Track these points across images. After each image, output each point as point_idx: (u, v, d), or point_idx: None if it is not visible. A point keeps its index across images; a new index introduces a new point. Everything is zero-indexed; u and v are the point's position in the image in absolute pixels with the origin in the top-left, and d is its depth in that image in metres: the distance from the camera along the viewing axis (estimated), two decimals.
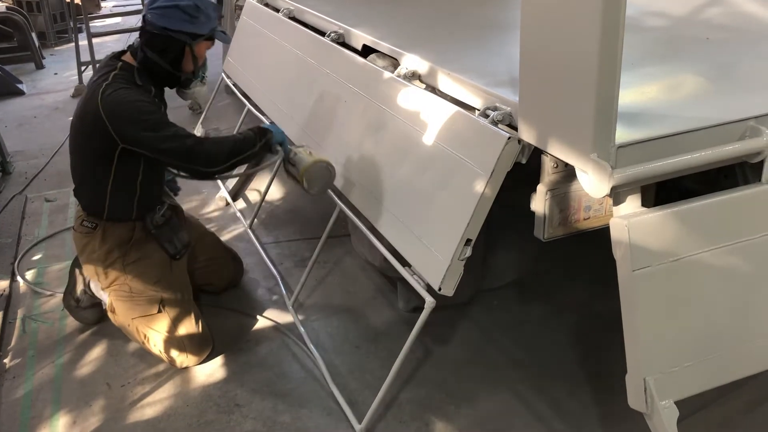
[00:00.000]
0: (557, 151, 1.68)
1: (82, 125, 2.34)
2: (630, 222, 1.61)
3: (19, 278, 3.11)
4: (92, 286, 2.62)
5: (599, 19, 1.39)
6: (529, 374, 2.40)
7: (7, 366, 2.56)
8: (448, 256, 1.90)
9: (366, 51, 2.75)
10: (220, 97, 5.05)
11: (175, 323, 2.45)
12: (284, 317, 2.77)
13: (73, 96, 5.87)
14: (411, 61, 2.40)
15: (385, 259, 2.22)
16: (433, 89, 2.29)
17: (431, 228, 2.02)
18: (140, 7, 2.29)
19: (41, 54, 7.15)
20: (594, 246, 2.08)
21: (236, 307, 2.85)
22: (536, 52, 1.63)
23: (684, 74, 2.13)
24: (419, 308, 2.05)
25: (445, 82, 2.21)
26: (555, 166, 1.93)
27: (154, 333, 2.45)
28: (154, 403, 2.34)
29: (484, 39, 2.73)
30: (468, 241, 1.88)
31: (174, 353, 2.46)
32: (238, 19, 4.30)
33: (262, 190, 3.48)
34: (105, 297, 2.56)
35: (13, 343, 2.69)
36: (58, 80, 6.58)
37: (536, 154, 1.88)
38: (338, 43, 2.94)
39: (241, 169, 2.59)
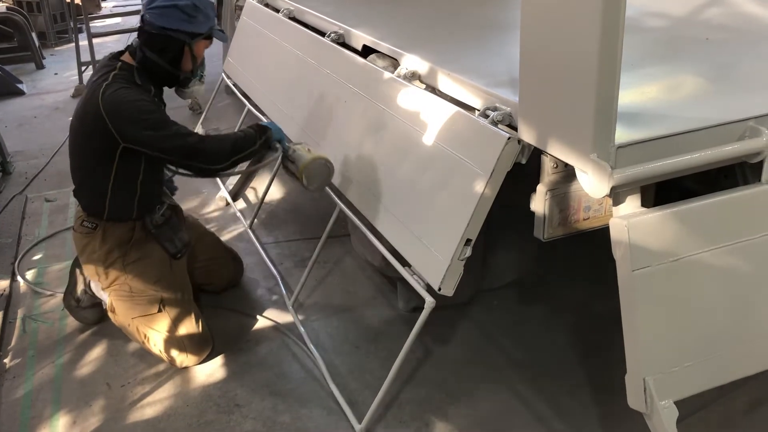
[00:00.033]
0: (557, 151, 1.68)
1: (82, 125, 2.34)
2: (630, 222, 1.61)
3: (19, 278, 3.11)
4: (93, 286, 2.62)
5: (599, 19, 1.39)
6: (529, 374, 2.40)
7: (7, 366, 2.56)
8: (448, 256, 1.90)
9: (366, 51, 2.75)
10: (220, 97, 5.05)
11: (175, 323, 2.45)
12: (284, 317, 2.77)
13: (73, 96, 5.87)
14: (411, 62, 2.40)
15: (385, 259, 2.22)
16: (433, 89, 2.29)
17: (431, 228, 2.03)
18: (140, 7, 2.29)
19: (41, 54, 7.15)
20: (594, 246, 2.08)
21: (236, 307, 2.85)
22: (536, 52, 1.63)
23: (684, 75, 2.13)
24: (419, 308, 2.05)
25: (445, 82, 2.21)
26: (555, 166, 1.93)
27: (155, 333, 2.45)
28: (154, 403, 2.34)
29: (484, 39, 2.73)
30: (468, 241, 1.88)
31: (174, 353, 2.46)
32: (238, 19, 4.30)
33: (262, 190, 3.48)
34: (105, 297, 2.56)
35: (13, 343, 2.69)
36: (58, 80, 6.58)
37: (536, 154, 1.88)
38: (338, 44, 2.94)
39: (242, 166, 2.60)
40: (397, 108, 2.33)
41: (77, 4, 6.88)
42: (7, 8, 7.05)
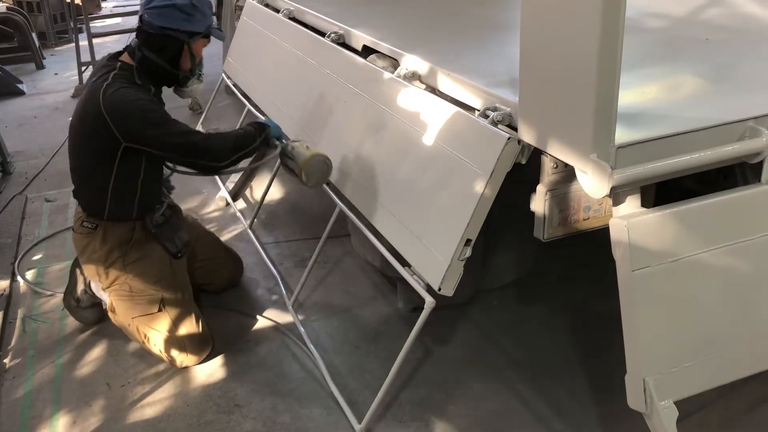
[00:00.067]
0: (557, 151, 1.68)
1: (82, 126, 2.35)
2: (629, 222, 1.61)
3: (19, 278, 3.11)
4: (93, 286, 2.62)
5: (599, 19, 1.39)
6: (529, 374, 2.40)
7: (7, 366, 2.56)
8: (447, 256, 1.90)
9: (366, 51, 2.75)
10: (220, 98, 5.05)
11: (175, 323, 2.45)
12: (284, 317, 2.77)
13: (73, 96, 5.88)
14: (411, 62, 2.40)
15: (385, 259, 2.22)
16: (433, 90, 2.29)
17: (431, 228, 2.03)
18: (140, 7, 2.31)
19: (41, 54, 7.16)
20: (594, 246, 2.08)
21: (236, 307, 2.85)
22: (536, 53, 1.63)
23: (683, 75, 2.13)
24: (419, 308, 2.05)
25: (445, 82, 2.21)
26: (555, 166, 1.93)
27: (155, 332, 2.45)
28: (154, 403, 2.34)
29: (484, 39, 2.73)
30: (468, 241, 1.88)
31: (174, 353, 2.46)
32: (238, 20, 4.30)
33: (262, 190, 3.48)
34: (105, 297, 2.57)
35: (13, 343, 2.69)
36: (58, 80, 6.58)
37: (536, 154, 1.88)
38: (338, 44, 2.94)
39: (244, 164, 2.62)
40: (397, 108, 2.33)
41: (77, 4, 6.88)
42: (7, 8, 7.06)
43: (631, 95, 1.89)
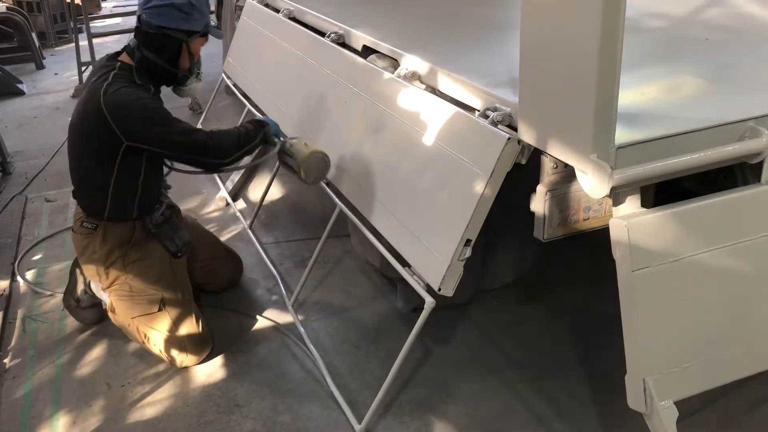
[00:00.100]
0: (557, 151, 1.68)
1: (82, 126, 2.35)
2: (629, 222, 1.61)
3: (19, 278, 3.11)
4: (93, 286, 2.62)
5: (599, 19, 1.39)
6: (529, 374, 2.40)
7: (7, 366, 2.56)
8: (447, 256, 1.90)
9: (366, 51, 2.75)
10: (220, 98, 5.05)
11: (175, 323, 2.45)
12: (284, 317, 2.77)
13: (73, 96, 5.88)
14: (411, 62, 2.40)
15: (385, 260, 2.22)
16: (433, 90, 2.29)
17: (431, 228, 2.03)
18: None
19: (41, 54, 7.15)
20: (594, 246, 2.08)
21: (236, 307, 2.85)
22: (536, 53, 1.63)
23: (683, 75, 2.13)
24: (419, 308, 2.05)
25: (445, 82, 2.21)
26: (555, 166, 1.93)
27: (155, 332, 2.45)
28: (154, 403, 2.34)
29: (484, 39, 2.73)
30: (468, 241, 1.88)
31: (174, 353, 2.46)
32: (238, 20, 4.30)
33: (262, 190, 3.48)
34: (105, 297, 2.57)
35: (13, 343, 2.69)
36: (58, 80, 6.58)
37: (536, 154, 1.88)
38: (338, 44, 2.94)
39: (246, 161, 2.63)
40: (397, 108, 2.33)
41: (77, 4, 6.88)
42: (7, 8, 7.05)
43: (631, 95, 1.89)
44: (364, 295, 2.91)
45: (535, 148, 1.81)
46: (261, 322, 2.75)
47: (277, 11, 3.66)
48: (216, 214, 3.71)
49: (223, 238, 3.31)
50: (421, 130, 2.17)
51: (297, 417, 2.26)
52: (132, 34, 2.44)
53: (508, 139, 1.81)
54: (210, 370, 2.49)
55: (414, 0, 3.47)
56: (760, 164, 1.75)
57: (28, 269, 3.21)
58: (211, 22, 2.52)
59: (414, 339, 2.05)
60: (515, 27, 1.66)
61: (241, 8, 4.39)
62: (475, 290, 2.75)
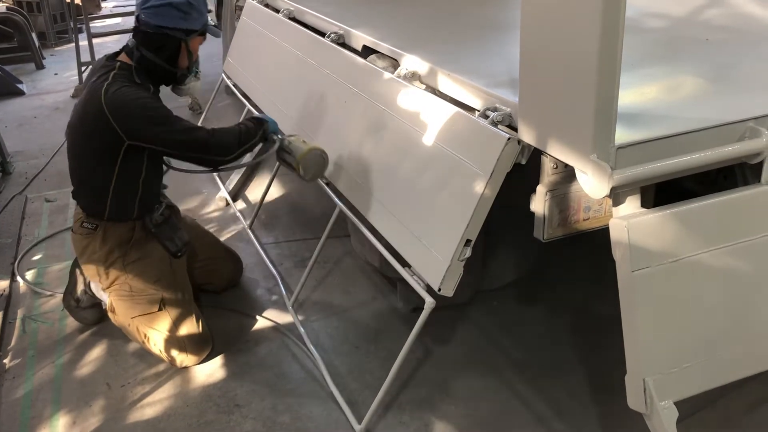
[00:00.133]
0: (557, 151, 1.68)
1: (82, 126, 2.35)
2: (629, 223, 1.61)
3: (19, 278, 3.11)
4: (93, 286, 2.62)
5: (599, 19, 1.39)
6: (529, 374, 2.40)
7: (7, 366, 2.56)
8: (447, 256, 1.90)
9: (366, 51, 2.75)
10: (220, 98, 5.05)
11: (175, 323, 2.45)
12: (284, 317, 2.77)
13: (73, 96, 5.87)
14: (411, 62, 2.40)
15: (385, 260, 2.22)
16: (433, 90, 2.29)
17: (431, 228, 2.03)
18: None
19: (41, 54, 7.15)
20: (594, 246, 2.08)
21: (236, 307, 2.85)
22: (536, 53, 1.63)
23: (684, 75, 2.13)
24: (419, 308, 2.05)
25: (445, 82, 2.21)
26: (555, 166, 1.93)
27: (155, 332, 2.45)
28: (154, 403, 2.34)
29: (483, 39, 2.73)
30: (468, 241, 1.88)
31: (174, 353, 2.46)
32: (238, 20, 4.30)
33: (262, 190, 3.48)
34: (105, 297, 2.57)
35: (13, 343, 2.69)
36: (58, 80, 6.58)
37: (536, 154, 1.88)
38: (338, 44, 2.94)
39: (246, 159, 2.65)
40: (397, 108, 2.33)
41: (77, 4, 6.88)
42: (7, 8, 7.05)
43: (631, 95, 1.89)
44: (364, 295, 2.91)
45: (535, 148, 1.81)
46: (261, 322, 2.75)
47: (277, 11, 3.66)
48: (216, 214, 3.71)
49: (223, 238, 3.31)
50: (421, 130, 2.17)
51: (297, 417, 2.26)
52: (131, 34, 2.45)
53: (508, 139, 1.81)
54: (210, 370, 2.49)
55: (414, 0, 3.47)
56: (760, 164, 1.75)
57: (28, 269, 3.21)
58: (209, 20, 2.53)
59: (414, 339, 2.05)
60: (515, 27, 1.66)
61: (241, 8, 4.39)
62: (475, 290, 2.75)
